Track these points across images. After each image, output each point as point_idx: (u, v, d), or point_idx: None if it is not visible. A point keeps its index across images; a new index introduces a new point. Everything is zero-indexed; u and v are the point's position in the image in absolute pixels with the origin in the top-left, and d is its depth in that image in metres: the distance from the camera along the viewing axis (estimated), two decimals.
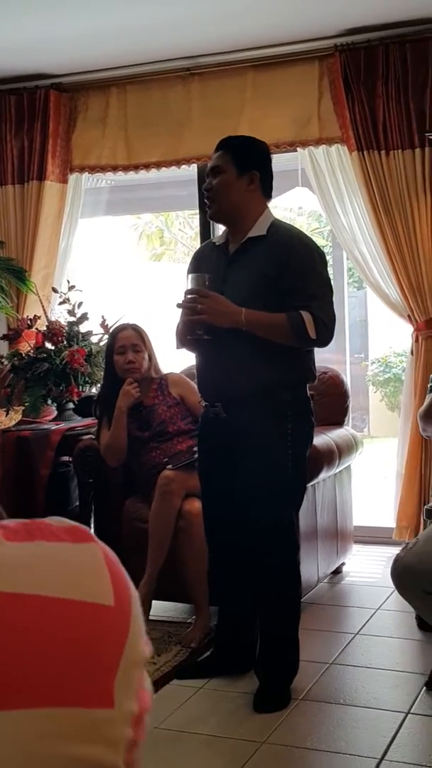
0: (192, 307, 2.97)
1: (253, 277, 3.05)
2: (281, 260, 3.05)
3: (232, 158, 3.08)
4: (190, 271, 3.26)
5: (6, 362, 4.92)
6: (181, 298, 3.13)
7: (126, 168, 5.35)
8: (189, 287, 3.04)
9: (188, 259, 3.52)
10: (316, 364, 3.30)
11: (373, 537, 4.98)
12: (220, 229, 3.37)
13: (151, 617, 3.87)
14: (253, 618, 3.29)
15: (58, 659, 0.64)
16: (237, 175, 3.07)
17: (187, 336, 3.10)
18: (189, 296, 3.01)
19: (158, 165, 5.26)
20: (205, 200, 3.20)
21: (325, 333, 3.04)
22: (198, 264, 3.28)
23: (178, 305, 3.06)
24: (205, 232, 5.32)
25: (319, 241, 8.94)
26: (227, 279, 3.06)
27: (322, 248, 3.39)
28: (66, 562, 0.68)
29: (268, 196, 3.20)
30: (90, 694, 0.64)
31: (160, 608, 3.97)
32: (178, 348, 3.36)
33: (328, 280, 3.21)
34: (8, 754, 0.60)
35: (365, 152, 4.73)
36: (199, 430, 3.42)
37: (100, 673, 0.65)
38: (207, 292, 2.98)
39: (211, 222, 3.20)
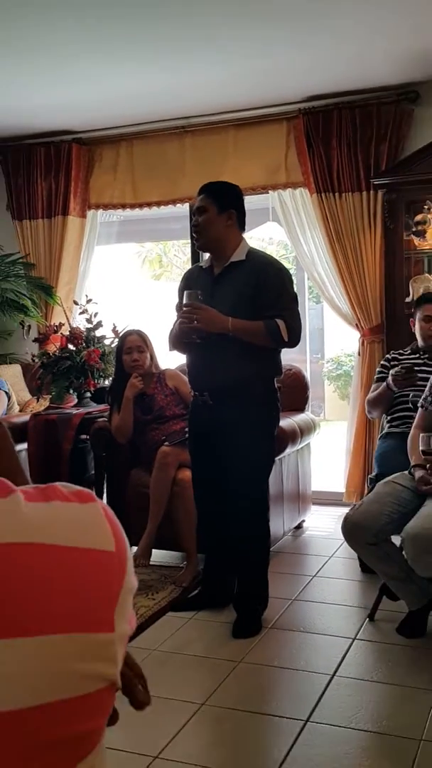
0: (189, 317, 2.96)
1: (237, 293, 3.04)
2: (259, 280, 3.05)
3: (213, 200, 3.07)
4: (181, 288, 3.24)
5: (37, 360, 4.95)
6: (174, 310, 3.16)
7: (132, 206, 5.33)
8: (185, 302, 3.01)
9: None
10: (283, 363, 3.31)
11: (327, 499, 4.98)
12: (206, 255, 3.35)
13: (151, 563, 3.87)
14: (231, 563, 3.29)
15: (72, 595, 0.64)
16: (217, 213, 3.06)
17: (183, 340, 3.08)
18: (186, 309, 2.99)
19: (158, 203, 5.25)
20: (194, 234, 3.18)
21: (294, 336, 3.06)
22: (188, 283, 3.24)
23: (179, 316, 3.03)
24: (194, 257, 5.31)
25: (286, 264, 8.95)
26: (214, 294, 3.04)
27: (288, 270, 3.40)
28: (75, 518, 0.68)
29: (243, 228, 3.18)
30: (97, 622, 0.65)
31: (158, 555, 3.96)
32: (170, 350, 3.36)
33: (295, 295, 3.21)
34: (36, 671, 0.61)
35: (323, 194, 4.73)
36: (190, 414, 3.40)
37: (104, 605, 0.66)
38: (200, 305, 2.97)
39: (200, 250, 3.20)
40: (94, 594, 0.65)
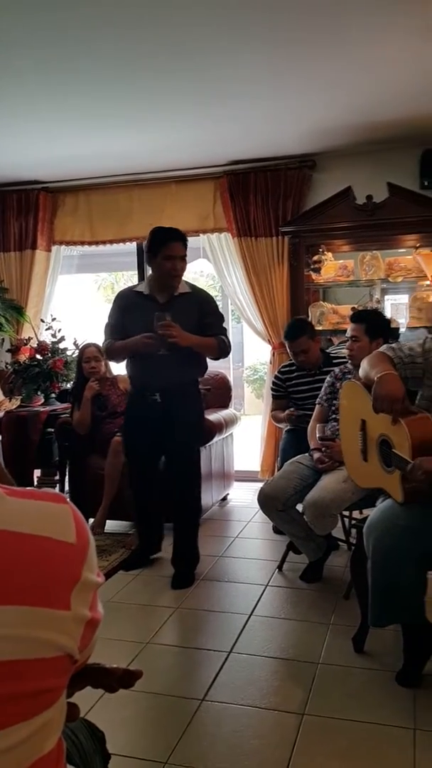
0: (168, 333, 2.88)
1: (187, 317, 2.98)
2: (204, 307, 3.08)
3: (186, 249, 3.02)
4: (119, 306, 3.12)
5: (10, 367, 4.83)
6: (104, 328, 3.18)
7: (89, 242, 5.24)
8: (158, 322, 2.88)
9: None
10: (211, 370, 3.37)
11: (246, 477, 5.01)
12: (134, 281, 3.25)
13: (105, 531, 3.83)
14: (159, 529, 3.37)
15: (34, 575, 0.63)
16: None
17: (151, 351, 2.93)
18: (164, 326, 2.88)
19: (111, 241, 5.18)
20: (175, 274, 2.99)
21: (229, 350, 3.17)
22: (125, 303, 3.11)
23: (158, 334, 2.89)
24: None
25: (214, 292, 9.02)
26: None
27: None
28: (45, 514, 0.67)
29: None
30: (54, 600, 0.64)
31: (112, 525, 3.92)
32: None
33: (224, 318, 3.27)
34: (3, 633, 0.61)
35: (242, 238, 4.77)
36: (132, 410, 3.24)
37: (62, 586, 0.65)
38: (174, 324, 2.90)
39: (149, 278, 3.09)
40: (52, 576, 0.65)
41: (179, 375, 3.03)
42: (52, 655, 0.64)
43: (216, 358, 3.18)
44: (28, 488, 0.69)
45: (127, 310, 3.07)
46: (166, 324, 2.87)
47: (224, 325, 3.17)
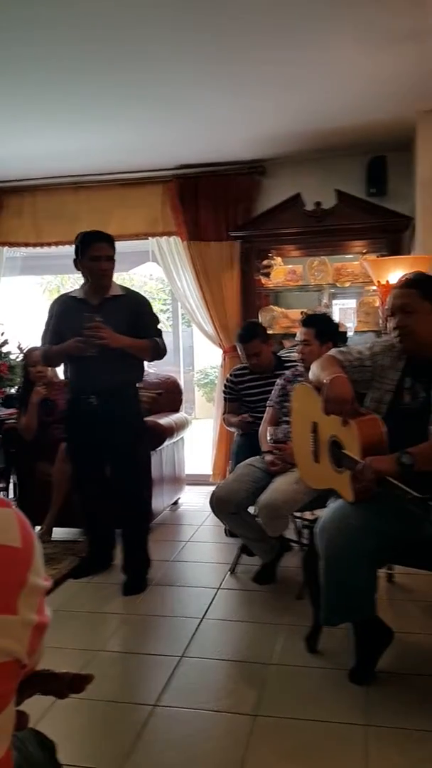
0: (98, 335, 2.87)
1: (120, 319, 2.99)
2: (137, 309, 3.08)
3: (114, 251, 3.02)
4: (56, 311, 3.11)
5: None
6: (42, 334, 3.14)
7: (34, 245, 5.14)
8: (87, 324, 2.87)
9: None
10: (162, 373, 3.34)
11: (197, 480, 5.00)
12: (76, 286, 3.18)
13: (54, 538, 3.75)
14: (110, 535, 3.30)
15: None
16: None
17: (81, 354, 2.91)
18: (92, 328, 2.86)
19: (57, 244, 5.08)
20: (104, 274, 3.00)
21: (164, 352, 3.15)
22: (60, 309, 3.10)
23: (86, 335, 2.88)
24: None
25: (162, 296, 9.00)
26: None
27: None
28: None
29: None
30: (1, 604, 0.63)
31: (60, 532, 3.84)
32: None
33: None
34: None
35: (192, 242, 4.77)
36: (72, 414, 3.21)
37: (8, 590, 0.64)
38: (104, 326, 2.89)
39: (83, 284, 3.11)
40: None
41: (113, 377, 3.01)
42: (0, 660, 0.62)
43: (150, 360, 3.18)
44: None
45: (62, 316, 3.07)
46: (95, 326, 2.86)
47: (159, 327, 3.15)
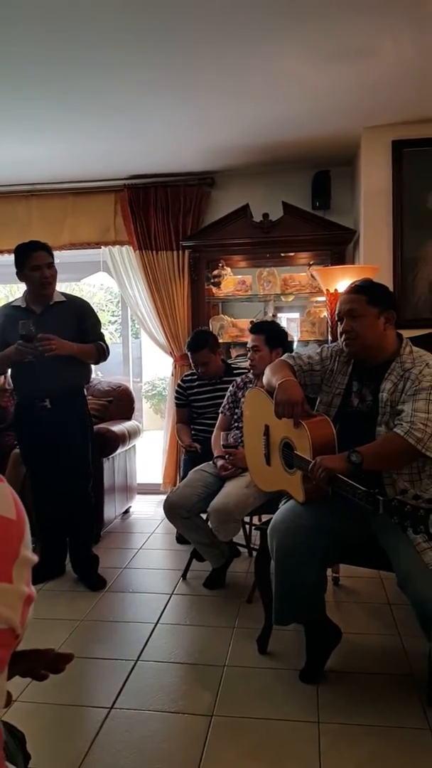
0: (48, 347, 2.87)
1: (64, 324, 3.02)
2: (80, 315, 3.12)
3: (52, 258, 3.05)
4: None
5: None
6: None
7: None
8: (22, 332, 2.86)
9: None
10: (112, 382, 3.36)
11: (148, 489, 5.00)
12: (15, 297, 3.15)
13: None
14: (65, 542, 3.28)
15: None
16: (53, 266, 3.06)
17: (21, 359, 2.89)
18: (41, 338, 2.87)
19: (8, 252, 5.00)
20: (46, 281, 3.02)
21: (107, 354, 3.19)
22: (4, 319, 3.09)
23: (26, 345, 2.87)
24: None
25: (111, 306, 8.93)
26: (45, 325, 2.94)
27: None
28: None
29: None
30: None
31: None
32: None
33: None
34: None
35: (143, 251, 4.78)
36: (21, 418, 3.19)
37: (3, 559, 0.65)
38: (52, 336, 2.89)
39: (24, 292, 3.10)
40: None
41: (64, 381, 3.06)
42: None
43: (96, 363, 3.23)
44: None
45: (4, 326, 3.07)
46: (44, 337, 2.88)
47: (102, 332, 3.21)
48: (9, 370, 3.18)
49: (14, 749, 0.90)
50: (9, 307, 3.17)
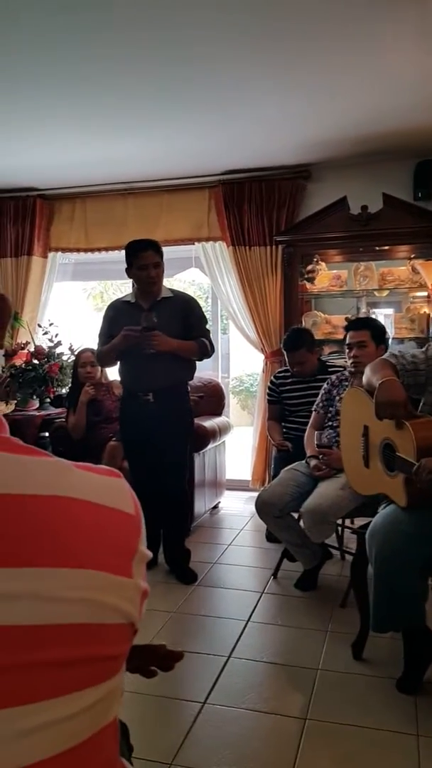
0: (149, 342, 2.95)
1: (170, 320, 3.05)
2: (186, 310, 3.13)
3: (161, 257, 3.07)
4: (108, 315, 3.20)
5: (5, 371, 4.77)
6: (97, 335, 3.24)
7: (85, 250, 5.22)
8: (144, 324, 2.94)
9: None
10: (204, 378, 3.38)
11: (237, 485, 5.00)
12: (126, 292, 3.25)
13: None
14: (159, 535, 3.31)
15: (100, 541, 0.63)
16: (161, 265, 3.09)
17: (142, 351, 2.97)
18: (146, 335, 2.94)
19: (106, 249, 5.16)
20: (152, 281, 3.06)
21: (213, 350, 3.20)
22: (113, 313, 3.19)
23: (141, 336, 2.96)
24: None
25: (203, 302, 8.97)
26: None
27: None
28: (107, 485, 0.68)
29: None
30: (118, 566, 0.64)
31: None
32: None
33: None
34: (72, 596, 0.60)
35: (236, 247, 4.77)
36: (126, 413, 3.27)
37: (124, 554, 0.65)
38: (157, 333, 2.95)
39: (133, 288, 3.15)
40: (116, 543, 0.65)
41: (168, 376, 3.09)
42: (118, 621, 0.63)
43: (199, 360, 3.23)
44: (87, 464, 0.69)
45: (116, 320, 3.14)
46: (152, 335, 2.93)
47: (207, 329, 3.20)
48: (117, 364, 3.23)
49: (121, 742, 0.91)
50: (120, 301, 3.26)
